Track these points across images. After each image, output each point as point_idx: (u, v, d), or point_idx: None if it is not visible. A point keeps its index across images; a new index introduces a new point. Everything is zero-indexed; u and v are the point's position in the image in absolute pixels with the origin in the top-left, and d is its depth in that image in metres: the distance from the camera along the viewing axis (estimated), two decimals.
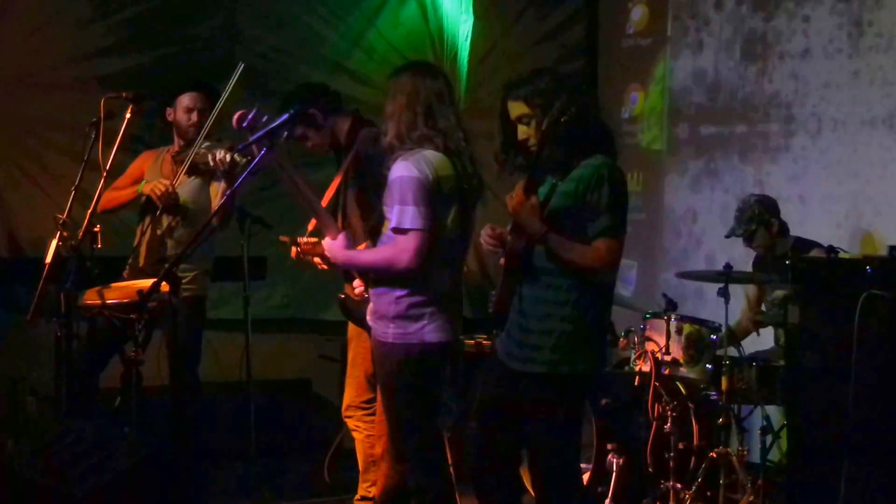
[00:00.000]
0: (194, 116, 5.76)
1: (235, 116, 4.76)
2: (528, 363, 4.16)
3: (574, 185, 4.09)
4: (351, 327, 5.39)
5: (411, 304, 4.40)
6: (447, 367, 4.68)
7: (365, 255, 4.75)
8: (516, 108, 4.19)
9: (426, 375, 4.46)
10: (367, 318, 4.65)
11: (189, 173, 5.53)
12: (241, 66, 5.40)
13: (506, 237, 4.22)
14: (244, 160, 5.03)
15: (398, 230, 4.34)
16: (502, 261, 4.27)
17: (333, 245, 4.64)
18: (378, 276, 4.57)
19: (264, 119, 4.64)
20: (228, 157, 5.16)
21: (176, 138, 5.85)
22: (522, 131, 4.18)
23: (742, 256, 6.49)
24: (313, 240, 5.22)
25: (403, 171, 4.34)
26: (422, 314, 4.40)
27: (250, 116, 4.61)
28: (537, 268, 4.15)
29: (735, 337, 5.97)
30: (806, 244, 6.10)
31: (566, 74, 4.24)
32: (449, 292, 4.49)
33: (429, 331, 4.40)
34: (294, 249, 5.21)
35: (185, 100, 5.80)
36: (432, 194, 4.34)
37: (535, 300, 4.14)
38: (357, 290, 5.00)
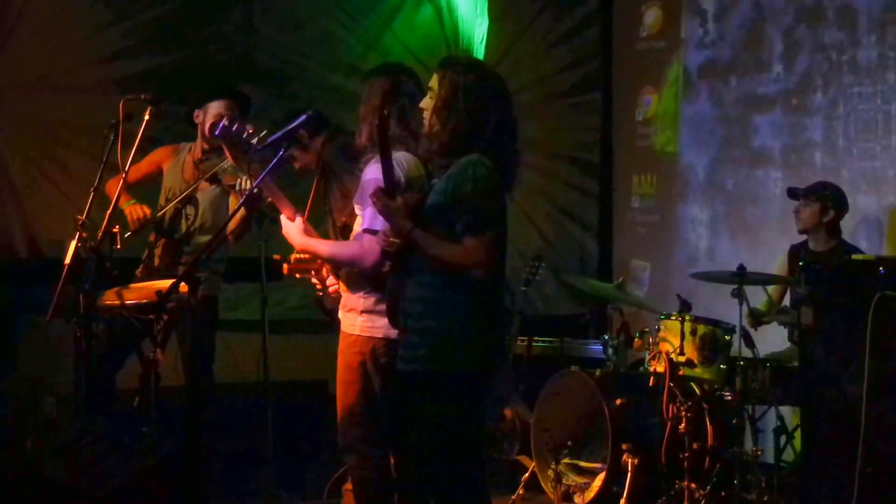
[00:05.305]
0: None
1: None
2: (408, 362, 4.10)
3: (445, 183, 4.05)
4: None
5: (380, 299, 4.41)
6: None
7: (328, 245, 4.73)
8: (432, 81, 4.15)
9: (386, 369, 4.42)
10: (339, 311, 4.70)
11: (210, 181, 5.56)
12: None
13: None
14: (267, 199, 5.10)
15: (370, 231, 4.35)
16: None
17: (291, 227, 4.67)
18: (335, 268, 4.64)
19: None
20: (256, 191, 5.20)
21: (200, 142, 5.83)
22: (425, 102, 4.14)
23: (749, 258, 6.49)
24: (306, 256, 5.27)
25: (377, 172, 4.29)
26: None
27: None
28: (414, 267, 4.09)
29: (759, 319, 6.10)
30: (849, 248, 6.13)
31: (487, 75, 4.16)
32: None
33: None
34: (285, 266, 5.25)
35: (216, 107, 5.74)
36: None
37: (414, 300, 4.07)
38: (331, 289, 5.04)
